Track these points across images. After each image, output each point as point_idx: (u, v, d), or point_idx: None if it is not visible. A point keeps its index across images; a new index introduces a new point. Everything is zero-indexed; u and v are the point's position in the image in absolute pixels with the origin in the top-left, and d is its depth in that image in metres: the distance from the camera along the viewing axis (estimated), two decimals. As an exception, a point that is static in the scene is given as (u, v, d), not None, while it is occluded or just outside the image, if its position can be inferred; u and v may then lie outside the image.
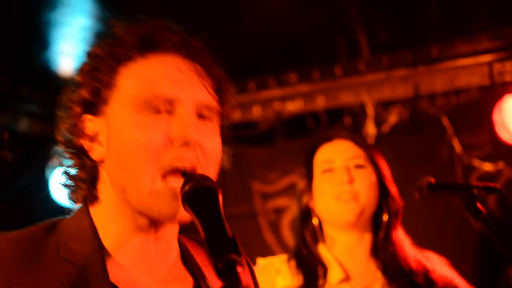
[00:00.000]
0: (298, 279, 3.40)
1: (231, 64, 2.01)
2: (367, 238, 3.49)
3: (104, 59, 1.88)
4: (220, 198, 1.66)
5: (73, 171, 1.93)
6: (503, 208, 4.89)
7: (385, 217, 3.47)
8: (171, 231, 1.93)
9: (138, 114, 1.81)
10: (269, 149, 5.96)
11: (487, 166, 5.31)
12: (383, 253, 3.44)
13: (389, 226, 3.47)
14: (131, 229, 1.86)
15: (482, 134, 5.26)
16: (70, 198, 1.95)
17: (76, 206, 1.95)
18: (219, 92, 1.94)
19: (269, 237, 5.85)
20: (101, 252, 1.81)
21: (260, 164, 5.96)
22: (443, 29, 5.20)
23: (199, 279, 1.97)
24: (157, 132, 1.79)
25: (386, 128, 5.59)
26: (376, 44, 5.45)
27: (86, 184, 1.90)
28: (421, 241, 3.59)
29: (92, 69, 1.88)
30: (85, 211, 1.89)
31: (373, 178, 3.49)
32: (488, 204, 4.92)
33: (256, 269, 3.39)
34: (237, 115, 5.77)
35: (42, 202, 5.81)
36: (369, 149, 3.56)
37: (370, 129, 5.54)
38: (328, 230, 3.51)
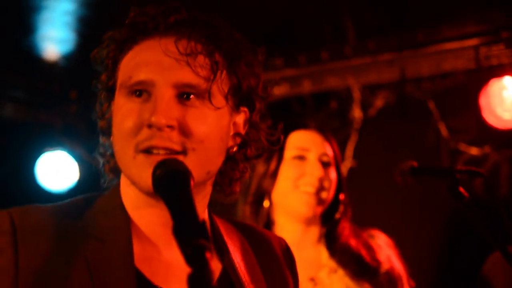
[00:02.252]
0: None
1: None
2: (314, 230, 3.48)
3: (111, 48, 1.92)
4: (192, 183, 1.64)
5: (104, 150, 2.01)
6: (488, 193, 4.89)
7: (337, 215, 3.49)
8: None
9: (122, 99, 1.85)
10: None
11: (474, 150, 5.31)
12: (332, 243, 3.45)
13: (340, 222, 3.49)
14: (144, 202, 1.86)
15: (468, 118, 5.26)
16: (104, 172, 2.02)
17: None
18: (229, 66, 1.89)
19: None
20: (128, 229, 1.84)
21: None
22: (428, 13, 5.18)
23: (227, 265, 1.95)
24: (131, 116, 1.81)
25: (372, 112, 5.59)
26: (362, 28, 5.42)
27: (110, 164, 1.99)
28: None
29: (105, 56, 1.94)
30: (117, 187, 1.93)
31: (334, 176, 3.49)
32: (474, 189, 4.95)
33: None
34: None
35: (27, 188, 5.80)
36: (335, 147, 3.54)
37: (356, 113, 5.54)
38: (277, 217, 3.48)
